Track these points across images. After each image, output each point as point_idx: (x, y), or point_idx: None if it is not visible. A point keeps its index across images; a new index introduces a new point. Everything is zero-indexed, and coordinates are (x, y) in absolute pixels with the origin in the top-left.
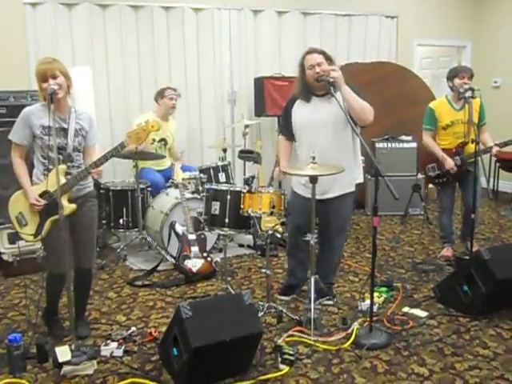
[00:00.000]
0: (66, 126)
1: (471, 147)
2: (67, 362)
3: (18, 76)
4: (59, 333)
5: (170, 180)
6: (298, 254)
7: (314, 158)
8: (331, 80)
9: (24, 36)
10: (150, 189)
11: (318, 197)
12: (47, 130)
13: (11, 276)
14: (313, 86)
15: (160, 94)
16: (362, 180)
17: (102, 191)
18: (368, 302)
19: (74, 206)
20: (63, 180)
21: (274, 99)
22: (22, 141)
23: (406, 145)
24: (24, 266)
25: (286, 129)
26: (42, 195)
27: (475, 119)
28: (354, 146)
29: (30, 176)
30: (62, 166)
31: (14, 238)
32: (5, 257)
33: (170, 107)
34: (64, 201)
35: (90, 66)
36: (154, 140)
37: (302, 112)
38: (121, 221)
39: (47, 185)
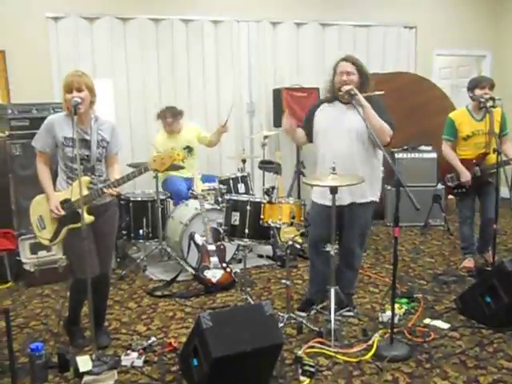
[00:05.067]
0: (88, 137)
1: (493, 157)
2: (88, 372)
3: (40, 89)
4: (80, 342)
5: (190, 191)
6: (321, 265)
7: (334, 168)
8: (352, 93)
9: (47, 49)
10: (171, 199)
11: (337, 203)
12: (68, 141)
13: (33, 286)
14: (337, 92)
15: (157, 118)
16: (377, 199)
17: (122, 202)
18: (389, 313)
19: (91, 217)
20: (86, 191)
21: (293, 110)
22: (44, 148)
23: (425, 155)
24: (45, 275)
25: (307, 129)
26: (63, 202)
27: (496, 129)
28: (374, 159)
29: (54, 183)
30: (86, 178)
31: (35, 248)
32: (26, 267)
33: (168, 131)
34: (83, 211)
35: (110, 78)
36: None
37: (325, 115)
38: (141, 231)
39: (71, 194)
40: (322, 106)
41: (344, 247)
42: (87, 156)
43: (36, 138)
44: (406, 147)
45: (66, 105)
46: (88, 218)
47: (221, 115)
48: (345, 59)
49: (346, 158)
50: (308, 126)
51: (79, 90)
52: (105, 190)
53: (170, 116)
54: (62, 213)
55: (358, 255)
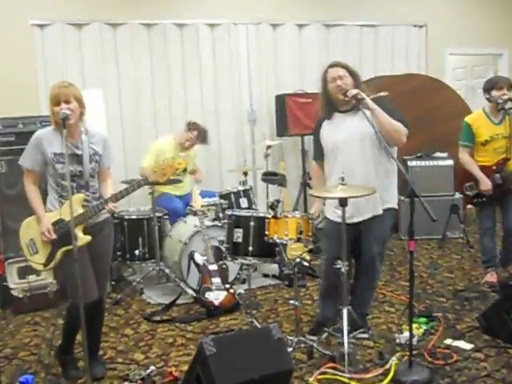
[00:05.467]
0: (79, 152)
1: None
2: None
3: (26, 101)
4: (73, 374)
5: (188, 207)
6: (337, 288)
7: (343, 179)
8: (360, 97)
9: (32, 59)
10: (167, 217)
11: (350, 220)
12: (59, 157)
13: (21, 313)
14: (336, 100)
15: (186, 126)
16: (396, 206)
17: (116, 221)
18: (406, 334)
19: (88, 237)
20: (80, 210)
21: (297, 117)
22: (33, 166)
23: (441, 162)
24: (35, 301)
25: (319, 152)
26: (56, 223)
27: None
28: (388, 164)
29: (44, 202)
30: (80, 195)
31: (24, 272)
32: (14, 293)
33: (182, 143)
34: (79, 231)
35: (101, 88)
36: None
37: (328, 131)
38: (136, 252)
39: (61, 213)
40: (324, 124)
41: (364, 261)
42: (80, 172)
43: (24, 155)
44: (419, 154)
45: (54, 118)
46: (84, 238)
47: (220, 126)
48: (332, 65)
49: (357, 167)
50: (318, 149)
51: (67, 102)
52: (105, 205)
53: (202, 138)
54: (54, 236)
55: (378, 270)
